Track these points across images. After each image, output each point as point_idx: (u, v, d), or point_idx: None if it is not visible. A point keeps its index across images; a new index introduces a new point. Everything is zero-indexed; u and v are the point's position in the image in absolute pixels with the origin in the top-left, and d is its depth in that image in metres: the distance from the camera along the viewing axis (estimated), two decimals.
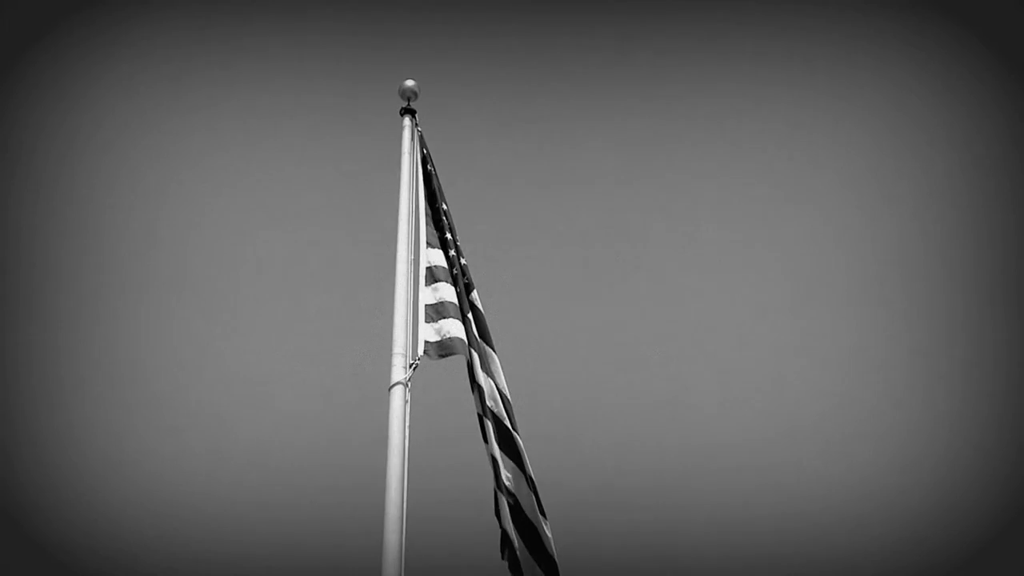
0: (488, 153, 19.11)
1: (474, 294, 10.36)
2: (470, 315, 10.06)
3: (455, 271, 10.28)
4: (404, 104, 11.44)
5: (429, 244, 10.26)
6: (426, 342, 9.47)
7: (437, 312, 9.75)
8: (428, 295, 9.86)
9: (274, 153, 18.86)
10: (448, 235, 10.55)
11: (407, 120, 11.31)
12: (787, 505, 16.26)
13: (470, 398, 9.77)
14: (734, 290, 19.13)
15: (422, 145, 11.14)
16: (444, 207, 10.76)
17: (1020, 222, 17.59)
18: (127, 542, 14.97)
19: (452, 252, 10.37)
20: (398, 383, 9.13)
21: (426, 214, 10.55)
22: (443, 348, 9.55)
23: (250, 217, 18.73)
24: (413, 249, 10.22)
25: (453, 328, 9.68)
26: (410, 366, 9.25)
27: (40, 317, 16.47)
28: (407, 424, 8.96)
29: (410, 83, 11.50)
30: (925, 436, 16.87)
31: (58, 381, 16.17)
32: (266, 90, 18.64)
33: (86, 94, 17.52)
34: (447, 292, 9.96)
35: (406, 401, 9.06)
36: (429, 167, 11.02)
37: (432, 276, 10.03)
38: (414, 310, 9.72)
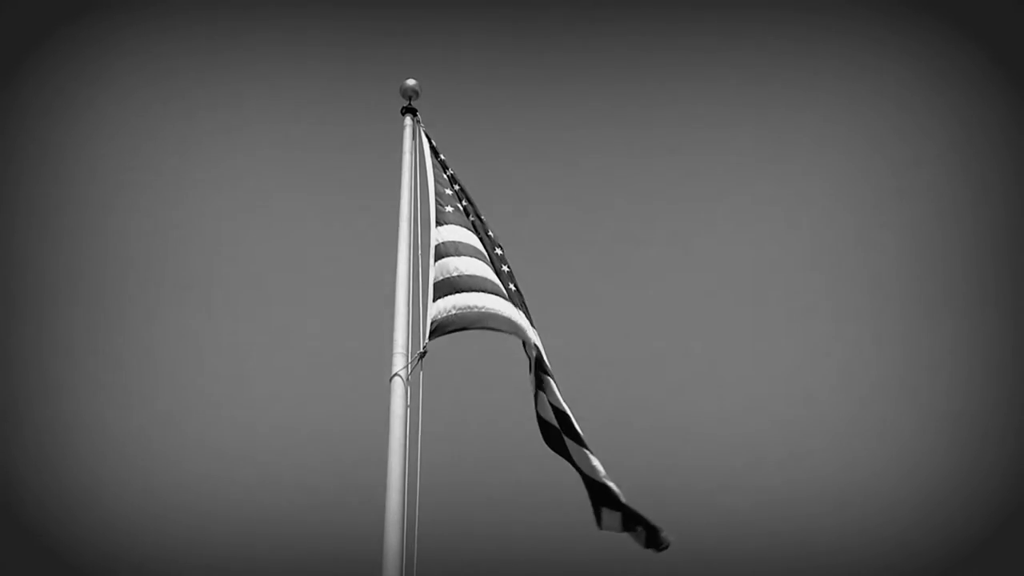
0: (488, 154, 19.13)
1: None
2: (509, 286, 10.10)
3: (489, 251, 10.30)
4: (405, 103, 11.47)
5: (439, 223, 10.20)
6: (434, 320, 9.42)
7: (450, 285, 9.69)
8: (437, 271, 9.81)
9: (276, 152, 18.91)
10: (472, 218, 10.53)
11: (408, 119, 11.33)
12: (788, 504, 16.26)
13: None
14: (739, 292, 19.15)
15: (428, 138, 11.13)
16: (460, 191, 10.77)
17: (1020, 224, 17.62)
18: (127, 538, 14.98)
19: (479, 235, 10.38)
20: (398, 374, 9.17)
21: (435, 193, 10.49)
22: (455, 322, 9.46)
23: (252, 216, 18.77)
24: (414, 247, 10.23)
25: (471, 299, 9.64)
26: (418, 358, 9.28)
27: (40, 316, 16.50)
28: (406, 417, 8.99)
29: (411, 82, 11.53)
30: (925, 436, 16.89)
31: (57, 379, 16.20)
32: (271, 90, 18.70)
33: (86, 94, 17.57)
34: (465, 263, 9.89)
35: (407, 392, 9.10)
36: (442, 157, 11.00)
37: (442, 252, 9.92)
38: (415, 305, 9.74)
